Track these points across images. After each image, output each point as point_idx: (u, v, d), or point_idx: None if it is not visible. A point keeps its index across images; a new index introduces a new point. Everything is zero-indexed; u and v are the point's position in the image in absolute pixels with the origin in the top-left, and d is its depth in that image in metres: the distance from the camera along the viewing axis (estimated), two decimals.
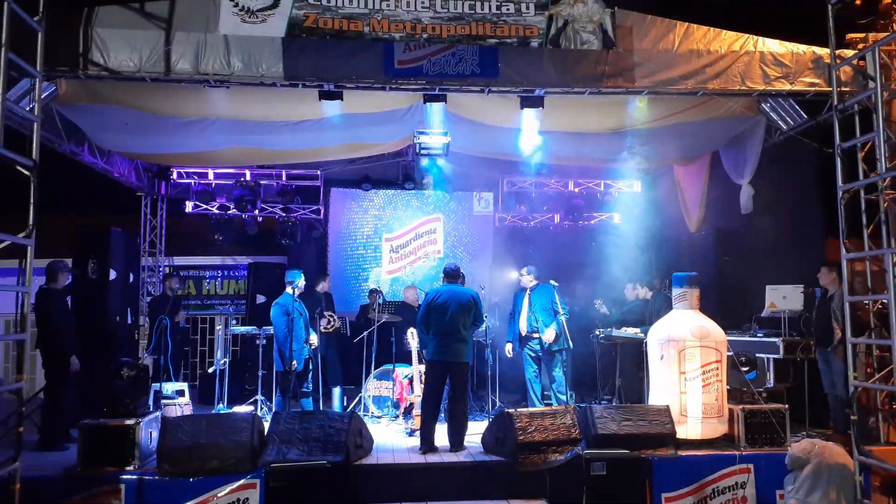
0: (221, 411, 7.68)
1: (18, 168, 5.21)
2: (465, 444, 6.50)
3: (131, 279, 8.69)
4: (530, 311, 7.73)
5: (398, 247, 11.57)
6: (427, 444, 6.33)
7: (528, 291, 7.82)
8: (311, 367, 7.28)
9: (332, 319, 8.46)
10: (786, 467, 5.65)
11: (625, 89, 6.60)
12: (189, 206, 10.63)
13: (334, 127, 7.56)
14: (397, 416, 7.75)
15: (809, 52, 6.64)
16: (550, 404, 7.46)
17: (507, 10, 6.35)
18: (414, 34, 6.23)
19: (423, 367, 7.05)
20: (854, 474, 5.54)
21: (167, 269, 10.94)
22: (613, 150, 8.27)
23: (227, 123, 7.64)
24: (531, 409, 6.57)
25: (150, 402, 6.78)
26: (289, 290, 7.26)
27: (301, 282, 7.35)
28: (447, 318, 6.49)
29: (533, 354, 7.77)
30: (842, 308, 6.22)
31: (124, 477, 5.41)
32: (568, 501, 5.63)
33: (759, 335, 7.11)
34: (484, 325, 7.52)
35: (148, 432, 5.84)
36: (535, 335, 7.68)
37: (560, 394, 7.57)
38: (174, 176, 10.49)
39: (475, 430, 6.78)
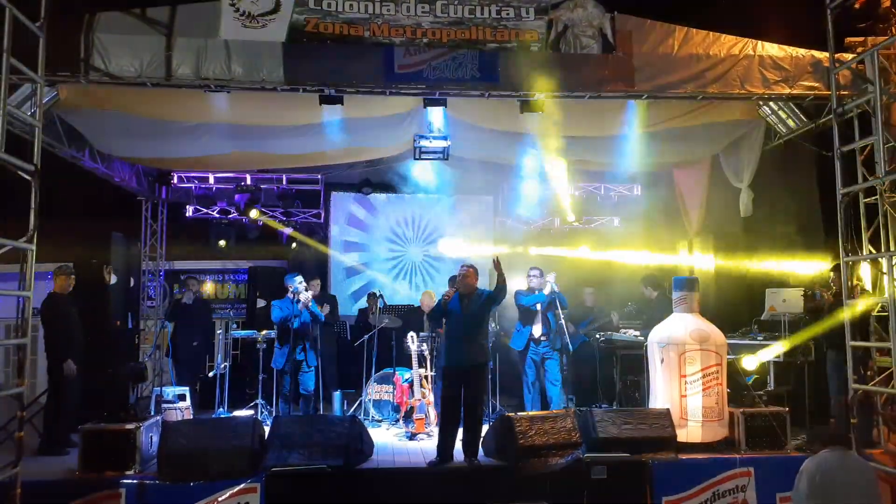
0: (222, 415, 7.67)
1: (20, 173, 5.23)
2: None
3: (132, 283, 8.69)
4: (545, 313, 7.46)
5: (396, 251, 11.58)
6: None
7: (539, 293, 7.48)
8: (304, 369, 7.26)
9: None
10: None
11: (625, 93, 6.63)
12: (190, 211, 10.63)
13: (335, 131, 7.55)
14: (398, 420, 7.74)
15: (808, 56, 6.65)
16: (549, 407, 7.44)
17: (507, 14, 6.36)
18: (414, 39, 6.25)
19: (423, 371, 7.04)
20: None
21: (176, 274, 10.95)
22: (613, 153, 8.28)
23: (227, 128, 7.64)
24: (532, 413, 6.56)
25: (151, 407, 6.78)
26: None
27: (296, 286, 7.28)
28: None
29: (538, 359, 7.52)
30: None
31: (125, 481, 5.41)
32: None
33: (759, 338, 7.10)
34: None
35: (149, 437, 5.84)
36: (544, 338, 7.48)
37: (564, 395, 7.53)
38: (174, 180, 10.42)
39: None
